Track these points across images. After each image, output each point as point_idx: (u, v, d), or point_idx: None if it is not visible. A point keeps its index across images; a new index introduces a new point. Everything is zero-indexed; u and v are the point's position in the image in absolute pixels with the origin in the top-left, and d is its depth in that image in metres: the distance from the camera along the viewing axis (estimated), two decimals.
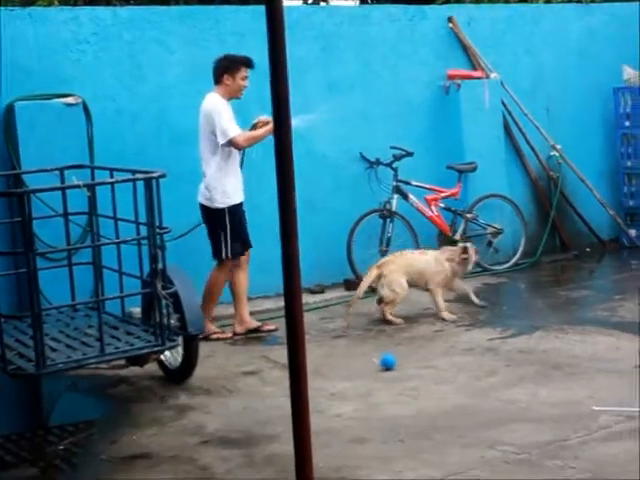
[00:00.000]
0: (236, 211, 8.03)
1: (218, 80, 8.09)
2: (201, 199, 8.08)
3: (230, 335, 8.13)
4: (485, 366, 6.83)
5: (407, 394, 6.33)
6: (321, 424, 5.75)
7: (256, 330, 8.17)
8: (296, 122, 8.21)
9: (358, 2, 15.41)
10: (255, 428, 5.84)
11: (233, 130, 7.89)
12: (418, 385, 6.50)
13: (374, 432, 5.65)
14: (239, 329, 8.18)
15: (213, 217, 8.00)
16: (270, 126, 7.95)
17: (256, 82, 8.00)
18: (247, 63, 8.03)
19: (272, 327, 8.17)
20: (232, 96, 8.09)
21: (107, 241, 7.03)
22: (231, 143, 7.88)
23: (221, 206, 7.95)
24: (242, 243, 8.09)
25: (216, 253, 8.03)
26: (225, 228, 7.95)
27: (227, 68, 8.03)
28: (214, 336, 8.01)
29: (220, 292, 8.20)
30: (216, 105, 7.94)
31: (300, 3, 13.88)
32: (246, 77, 8.04)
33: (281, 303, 8.73)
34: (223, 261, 8.05)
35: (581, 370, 6.56)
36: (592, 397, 5.93)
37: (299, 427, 3.64)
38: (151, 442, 5.77)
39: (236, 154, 8.06)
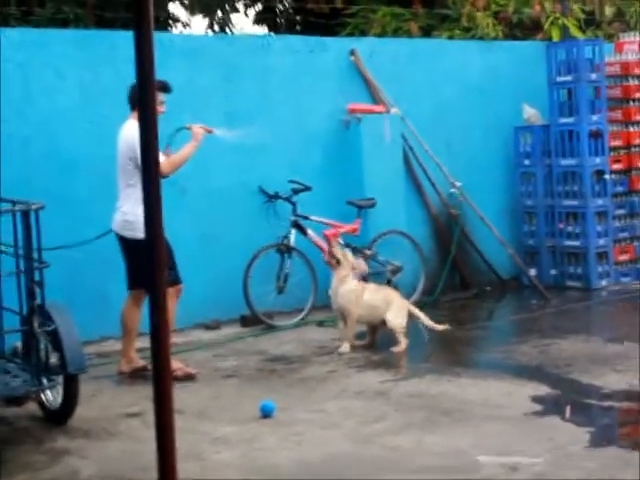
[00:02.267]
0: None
1: (135, 106, 7.66)
2: (121, 231, 7.68)
3: (195, 372, 7.73)
4: (374, 411, 6.67)
5: (292, 440, 6.13)
6: (199, 472, 5.57)
7: (142, 369, 7.76)
8: (221, 133, 8.19)
9: (267, 30, 15.34)
10: (132, 475, 5.58)
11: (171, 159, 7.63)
12: (304, 430, 6.30)
13: None
14: (125, 368, 7.88)
15: (136, 248, 7.41)
16: (195, 142, 7.87)
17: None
18: (163, 88, 7.69)
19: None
20: None
21: None
22: (166, 171, 7.53)
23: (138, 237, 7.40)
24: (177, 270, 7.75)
25: (137, 283, 7.67)
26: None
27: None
28: (179, 373, 7.52)
29: (174, 324, 7.84)
30: (136, 133, 7.55)
31: (204, 32, 13.72)
32: (163, 102, 7.65)
33: (173, 339, 8.57)
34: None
35: (470, 416, 6.44)
36: (478, 446, 5.79)
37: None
38: None
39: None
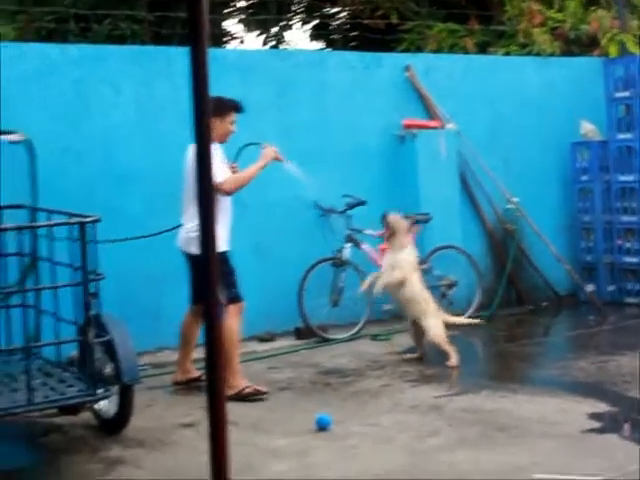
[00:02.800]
0: (227, 257, 7.50)
1: None
2: (185, 247, 7.57)
3: (266, 389, 7.53)
4: (428, 425, 6.61)
5: (345, 453, 6.09)
6: None
7: (197, 380, 7.77)
8: (290, 166, 8.13)
9: (323, 46, 15.37)
10: None
11: (221, 175, 7.36)
12: (358, 444, 6.26)
13: None
14: (180, 377, 7.89)
15: (198, 264, 7.38)
16: (263, 162, 7.71)
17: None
18: (237, 108, 7.67)
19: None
20: (219, 140, 7.50)
21: (45, 285, 6.84)
22: (218, 189, 7.29)
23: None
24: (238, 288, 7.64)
25: (199, 298, 7.41)
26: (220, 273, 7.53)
27: (217, 111, 7.43)
28: (247, 391, 7.42)
29: (238, 340, 7.64)
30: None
31: (260, 46, 13.78)
32: (234, 122, 7.63)
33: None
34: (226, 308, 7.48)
35: (526, 433, 6.35)
36: (534, 463, 5.70)
37: None
38: None
39: (227, 202, 7.56)
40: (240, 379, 7.48)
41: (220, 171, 7.42)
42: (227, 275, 7.49)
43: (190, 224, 7.48)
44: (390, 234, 8.65)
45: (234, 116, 7.63)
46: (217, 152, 7.45)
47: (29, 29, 11.52)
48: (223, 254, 7.43)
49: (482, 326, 10.02)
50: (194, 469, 5.76)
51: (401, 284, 8.48)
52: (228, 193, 7.50)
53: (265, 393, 7.47)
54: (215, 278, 3.28)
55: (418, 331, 8.52)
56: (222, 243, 7.44)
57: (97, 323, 6.22)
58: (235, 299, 7.55)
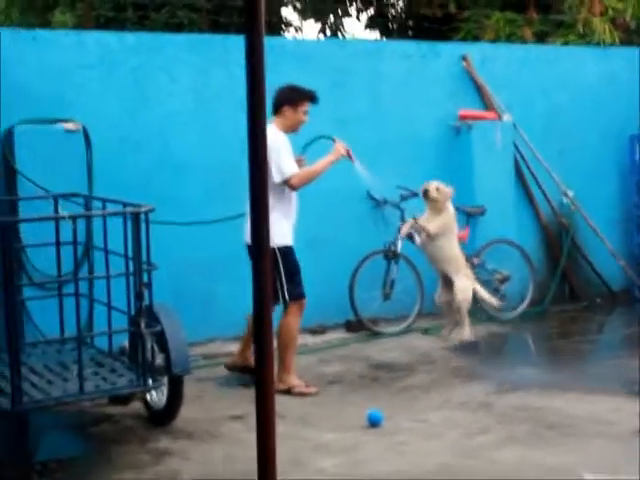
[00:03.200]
0: (290, 252, 7.48)
1: (277, 111, 7.48)
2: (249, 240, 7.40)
3: (315, 390, 7.43)
4: (478, 422, 6.58)
5: (394, 449, 6.08)
6: (299, 478, 5.57)
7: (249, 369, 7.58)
8: (359, 166, 8.05)
9: (379, 35, 15.31)
10: (233, 478, 5.60)
11: (290, 168, 7.34)
12: (407, 440, 6.25)
13: None
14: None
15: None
16: (333, 157, 7.67)
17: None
18: (312, 97, 7.57)
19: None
20: (290, 130, 7.50)
21: (98, 274, 6.91)
22: (286, 183, 7.37)
23: (273, 245, 7.03)
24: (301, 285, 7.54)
25: (275, 297, 7.28)
26: (279, 269, 7.33)
27: (290, 99, 7.47)
28: (296, 390, 7.36)
29: (296, 338, 7.58)
30: (276, 139, 7.27)
31: (317, 35, 13.75)
32: (307, 112, 7.56)
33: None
34: (287, 305, 7.45)
35: (576, 432, 6.30)
36: (584, 463, 5.67)
37: None
38: None
39: (292, 193, 7.52)
40: (292, 377, 7.44)
41: (289, 164, 7.35)
42: (290, 271, 7.42)
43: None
44: (431, 201, 9.06)
45: (307, 106, 7.53)
46: (286, 144, 7.42)
47: (88, 17, 11.60)
48: (286, 248, 7.41)
49: (534, 321, 9.96)
50: (242, 462, 5.81)
51: (436, 236, 8.93)
52: (295, 188, 7.47)
53: (315, 394, 7.39)
54: (267, 272, 3.28)
55: (448, 293, 8.78)
56: (284, 237, 7.43)
57: (149, 313, 6.24)
58: (297, 297, 7.47)
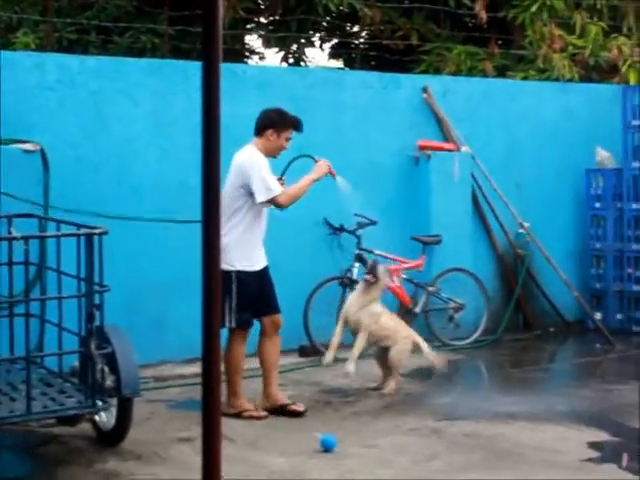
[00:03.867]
0: (249, 279, 7.31)
1: (260, 133, 7.41)
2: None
3: (265, 414, 7.35)
4: (427, 449, 6.60)
5: (344, 476, 6.09)
6: None
7: (282, 408, 7.45)
8: (340, 181, 8.01)
9: (342, 65, 15.41)
10: None
11: (277, 186, 7.29)
12: (356, 467, 6.25)
13: None
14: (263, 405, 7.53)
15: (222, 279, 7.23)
16: (315, 175, 7.58)
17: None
18: (296, 125, 7.53)
19: (300, 409, 7.46)
20: (269, 154, 7.41)
21: (49, 295, 6.92)
22: (273, 202, 7.34)
23: (232, 269, 7.19)
24: (253, 312, 7.39)
25: (222, 320, 7.18)
26: (231, 294, 7.23)
27: (275, 124, 7.40)
28: (246, 414, 7.30)
29: (241, 363, 7.45)
30: (256, 159, 7.26)
31: (281, 64, 13.82)
32: (289, 139, 7.52)
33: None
34: (231, 331, 7.37)
35: (525, 460, 6.34)
36: None
37: None
38: None
39: (264, 215, 7.44)
40: (242, 401, 7.40)
41: (274, 183, 7.30)
42: (242, 297, 7.31)
43: (230, 235, 7.22)
44: (373, 283, 8.34)
45: (291, 133, 7.49)
46: (266, 164, 7.34)
47: (50, 39, 11.60)
48: (245, 275, 7.31)
49: (488, 349, 10.03)
50: None
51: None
52: (283, 206, 7.44)
53: (264, 418, 7.34)
54: (217, 294, 3.30)
55: (383, 352, 8.42)
56: (248, 262, 7.34)
57: (100, 334, 6.24)
58: (243, 324, 7.37)
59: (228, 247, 7.08)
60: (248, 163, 7.27)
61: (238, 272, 7.25)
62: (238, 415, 7.27)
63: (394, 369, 8.28)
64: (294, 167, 8.02)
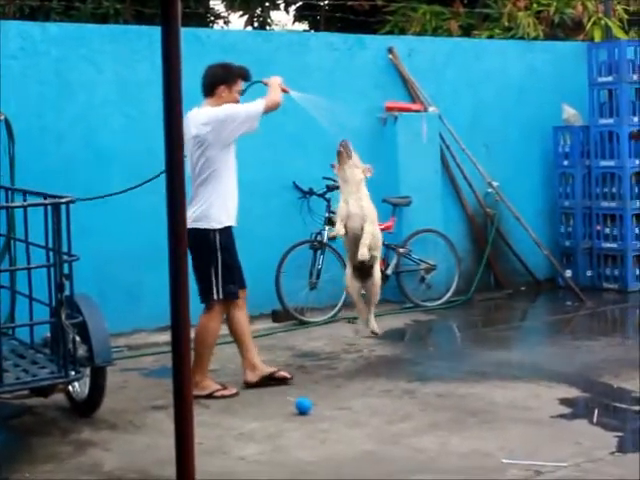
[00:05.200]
0: (230, 239, 7.07)
1: (211, 92, 7.12)
2: (189, 222, 6.61)
3: (235, 391, 7.14)
4: (400, 410, 6.63)
5: (317, 437, 6.12)
6: (223, 467, 5.60)
7: (270, 377, 7.30)
8: (295, 95, 7.83)
9: (308, 28, 15.33)
10: (154, 469, 5.59)
11: (255, 104, 7.10)
12: (329, 428, 6.29)
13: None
14: (251, 378, 7.30)
15: (204, 242, 6.92)
16: (277, 89, 7.37)
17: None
18: (244, 75, 7.29)
19: (287, 375, 7.36)
20: None
21: (17, 266, 6.88)
22: (269, 110, 7.15)
23: (212, 228, 6.93)
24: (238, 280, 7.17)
25: (205, 292, 7.04)
26: (217, 263, 6.96)
27: (224, 79, 7.12)
28: (218, 394, 7.03)
29: (215, 340, 7.23)
30: (219, 110, 6.99)
31: (246, 28, 13.73)
32: (240, 90, 7.25)
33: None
34: (213, 303, 7.10)
35: (497, 418, 6.38)
36: (503, 448, 5.74)
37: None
38: None
39: (234, 166, 7.14)
40: (210, 382, 7.17)
41: (249, 105, 7.12)
42: (227, 261, 7.07)
43: (208, 192, 7.02)
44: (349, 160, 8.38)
45: (241, 84, 7.27)
46: (230, 105, 7.09)
47: (11, 7, 11.46)
48: (222, 233, 7.01)
49: (459, 309, 10.08)
50: (164, 451, 5.75)
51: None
52: (276, 105, 7.28)
53: (235, 394, 7.16)
54: (184, 263, 3.28)
55: (359, 282, 8.45)
56: (222, 217, 7.03)
57: (70, 304, 6.21)
58: (229, 295, 7.12)
59: (209, 209, 6.95)
60: (215, 114, 7.00)
61: (220, 231, 7.02)
62: (210, 396, 7.03)
63: (373, 304, 8.50)
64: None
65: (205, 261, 7.00)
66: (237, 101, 7.26)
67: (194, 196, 7.02)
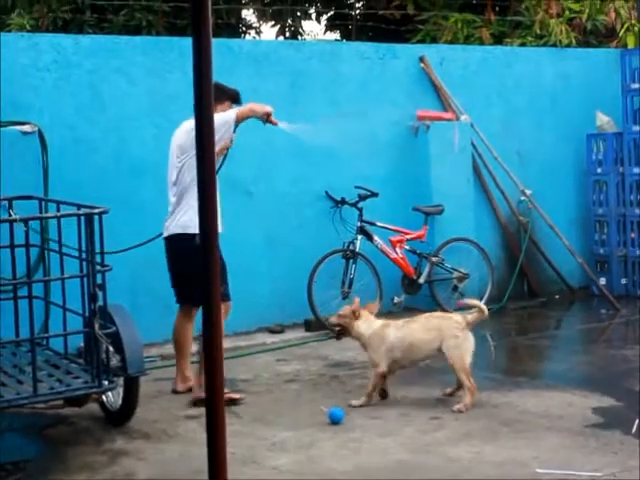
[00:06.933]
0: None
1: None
2: (175, 229, 7.23)
3: (242, 396, 7.20)
4: (433, 419, 6.62)
5: (349, 447, 6.10)
6: (255, 476, 5.63)
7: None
8: (283, 126, 7.86)
9: (339, 37, 15.35)
10: (187, 478, 5.61)
11: (228, 113, 7.15)
12: (362, 437, 6.27)
13: None
14: (182, 388, 7.46)
15: (190, 248, 6.89)
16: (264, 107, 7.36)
17: None
18: (235, 98, 7.42)
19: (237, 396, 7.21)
20: None
21: (52, 277, 6.93)
22: (241, 116, 7.16)
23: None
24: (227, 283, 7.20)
25: (190, 296, 7.27)
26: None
27: (214, 97, 7.24)
28: (226, 397, 7.06)
29: (188, 343, 7.47)
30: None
31: (277, 38, 13.76)
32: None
33: (237, 343, 8.60)
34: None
35: (530, 427, 6.35)
36: (537, 458, 5.71)
37: None
38: None
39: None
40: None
41: (224, 115, 7.12)
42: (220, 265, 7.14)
43: (186, 199, 7.17)
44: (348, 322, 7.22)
45: (229, 106, 7.35)
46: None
47: (45, 20, 11.56)
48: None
49: (493, 318, 10.00)
50: (196, 461, 5.78)
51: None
52: (248, 111, 7.26)
53: (242, 399, 7.16)
54: (215, 271, 3.28)
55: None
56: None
57: (103, 314, 6.23)
58: (223, 298, 6.99)
59: (195, 215, 6.91)
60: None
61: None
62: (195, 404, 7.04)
63: (462, 378, 6.99)
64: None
65: (193, 265, 7.02)
66: None
67: (177, 202, 7.23)
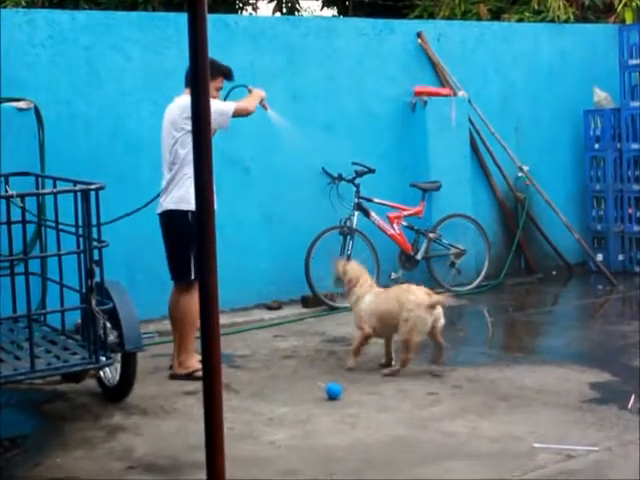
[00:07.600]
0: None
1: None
2: (169, 205, 7.19)
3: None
4: (430, 394, 6.63)
5: (346, 422, 6.11)
6: (253, 451, 5.63)
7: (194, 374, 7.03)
8: (272, 114, 7.89)
9: (336, 13, 15.29)
10: (184, 454, 5.61)
11: (228, 104, 7.22)
12: (359, 412, 6.28)
13: (305, 464, 5.42)
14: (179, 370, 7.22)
15: (183, 224, 7.07)
16: (257, 97, 7.47)
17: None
18: (227, 74, 7.38)
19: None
20: None
21: (47, 253, 6.91)
22: (238, 113, 7.21)
23: (193, 208, 7.03)
24: None
25: (184, 272, 7.18)
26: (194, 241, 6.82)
27: None
28: (198, 374, 6.72)
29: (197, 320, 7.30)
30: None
31: (274, 14, 13.71)
32: (221, 88, 7.40)
33: (235, 319, 8.61)
34: (192, 282, 7.05)
35: (527, 402, 6.36)
36: (534, 432, 5.72)
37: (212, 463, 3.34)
38: (75, 466, 5.53)
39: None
40: (193, 360, 7.13)
41: (224, 104, 7.22)
42: (195, 246, 6.87)
43: (181, 175, 7.14)
44: (350, 286, 7.55)
45: (221, 82, 7.34)
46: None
47: None
48: (192, 216, 6.90)
49: (490, 294, 10.04)
50: (194, 436, 5.79)
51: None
52: (249, 113, 7.39)
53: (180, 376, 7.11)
54: (212, 248, 3.28)
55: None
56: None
57: (100, 291, 6.23)
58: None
59: (188, 190, 6.96)
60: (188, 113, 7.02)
61: (192, 213, 6.91)
62: (189, 376, 7.05)
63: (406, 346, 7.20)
64: None
65: (185, 241, 7.12)
66: (215, 97, 7.26)
67: (171, 178, 7.18)
